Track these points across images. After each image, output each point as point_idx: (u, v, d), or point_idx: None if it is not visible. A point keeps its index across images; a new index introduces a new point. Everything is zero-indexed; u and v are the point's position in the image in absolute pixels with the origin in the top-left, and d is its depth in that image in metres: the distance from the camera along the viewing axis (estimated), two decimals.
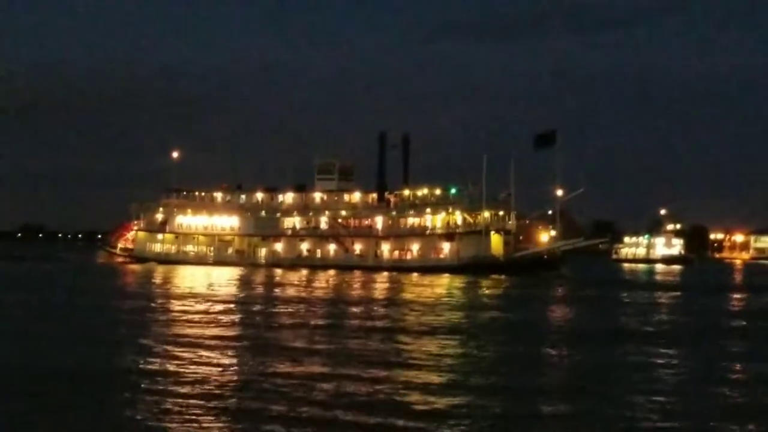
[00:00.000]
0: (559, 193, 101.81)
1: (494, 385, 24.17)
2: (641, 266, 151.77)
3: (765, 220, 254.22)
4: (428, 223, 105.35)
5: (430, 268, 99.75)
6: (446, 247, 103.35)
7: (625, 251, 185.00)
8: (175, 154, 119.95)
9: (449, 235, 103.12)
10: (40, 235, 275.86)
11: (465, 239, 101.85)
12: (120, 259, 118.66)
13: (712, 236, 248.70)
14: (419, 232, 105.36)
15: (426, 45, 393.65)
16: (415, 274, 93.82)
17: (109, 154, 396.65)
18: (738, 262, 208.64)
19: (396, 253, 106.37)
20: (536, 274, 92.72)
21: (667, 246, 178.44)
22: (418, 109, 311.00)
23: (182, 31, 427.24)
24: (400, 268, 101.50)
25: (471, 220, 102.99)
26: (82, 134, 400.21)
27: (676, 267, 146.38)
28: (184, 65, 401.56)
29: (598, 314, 48.58)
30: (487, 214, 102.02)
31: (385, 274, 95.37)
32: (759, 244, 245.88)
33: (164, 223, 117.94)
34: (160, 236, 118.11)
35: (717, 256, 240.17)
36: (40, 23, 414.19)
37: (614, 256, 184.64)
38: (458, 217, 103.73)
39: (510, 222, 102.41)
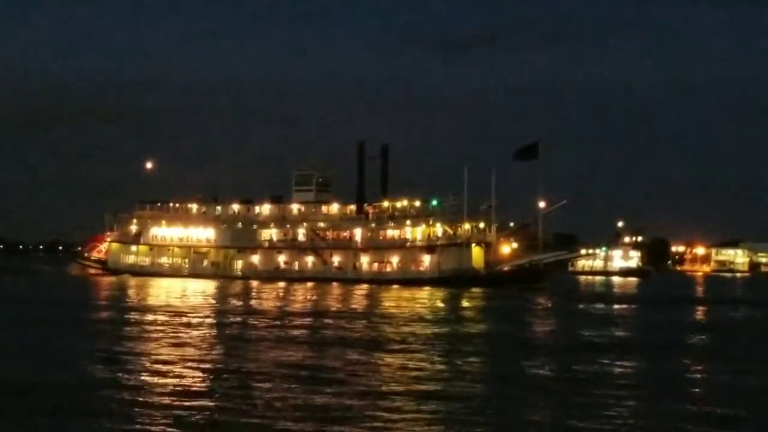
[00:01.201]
0: (542, 205, 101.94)
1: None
2: (598, 278, 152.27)
3: (726, 234, 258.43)
4: (408, 235, 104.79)
5: (410, 280, 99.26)
6: (427, 259, 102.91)
7: (582, 264, 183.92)
8: (149, 165, 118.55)
9: (430, 247, 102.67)
10: (1, 246, 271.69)
11: (446, 252, 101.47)
12: (93, 271, 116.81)
13: (673, 249, 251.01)
14: (399, 245, 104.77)
15: (391, 57, 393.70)
16: (395, 287, 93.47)
17: (72, 164, 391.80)
18: (699, 274, 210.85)
19: (375, 265, 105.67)
20: (518, 287, 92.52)
21: (624, 258, 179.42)
22: (393, 121, 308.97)
23: (153, 44, 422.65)
24: (380, 280, 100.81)
25: (451, 233, 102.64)
26: (44, 145, 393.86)
27: (633, 279, 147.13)
28: (156, 77, 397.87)
29: (583, 327, 48.01)
30: (467, 226, 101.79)
31: (365, 286, 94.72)
32: (720, 257, 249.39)
33: (138, 234, 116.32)
34: (134, 248, 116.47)
35: (678, 268, 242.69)
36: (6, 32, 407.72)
37: (570, 269, 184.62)
38: (438, 229, 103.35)
39: (491, 234, 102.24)
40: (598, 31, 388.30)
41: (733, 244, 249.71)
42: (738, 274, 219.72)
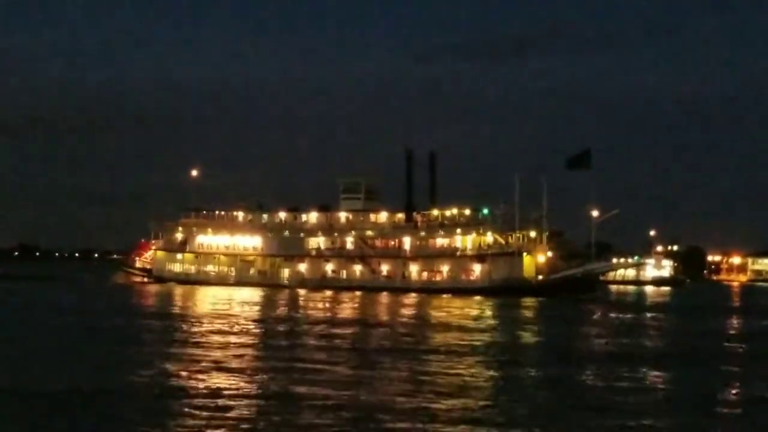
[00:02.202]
0: (595, 213, 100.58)
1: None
2: (630, 288, 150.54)
3: (763, 242, 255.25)
4: (458, 244, 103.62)
5: (460, 289, 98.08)
6: (477, 268, 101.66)
7: (614, 272, 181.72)
8: (194, 173, 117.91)
9: (480, 256, 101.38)
10: (37, 254, 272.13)
11: (497, 261, 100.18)
12: (138, 279, 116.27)
13: (709, 258, 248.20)
14: (449, 253, 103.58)
15: (424, 65, 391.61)
16: (445, 296, 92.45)
17: (107, 172, 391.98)
18: (735, 284, 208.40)
19: (425, 274, 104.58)
20: (571, 296, 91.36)
21: (657, 267, 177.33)
22: (437, 128, 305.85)
23: (197, 49, 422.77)
24: (429, 289, 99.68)
25: (502, 241, 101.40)
26: (81, 152, 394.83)
27: (666, 289, 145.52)
28: (200, 83, 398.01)
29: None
30: (518, 234, 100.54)
31: (414, 295, 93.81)
32: (756, 266, 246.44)
33: (184, 242, 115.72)
34: (179, 256, 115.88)
35: (714, 278, 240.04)
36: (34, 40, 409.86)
37: (601, 278, 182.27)
38: (489, 237, 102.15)
39: (543, 243, 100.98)
40: (632, 38, 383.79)
41: None
42: None
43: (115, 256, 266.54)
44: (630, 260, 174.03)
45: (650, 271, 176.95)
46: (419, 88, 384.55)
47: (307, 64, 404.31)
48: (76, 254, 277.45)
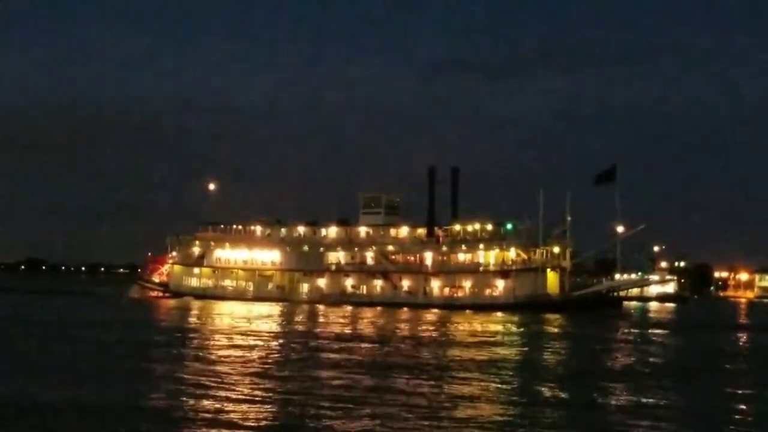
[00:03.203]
0: (620, 229, 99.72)
1: None
2: (634, 304, 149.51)
3: None
4: (481, 260, 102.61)
5: (483, 305, 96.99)
6: (500, 284, 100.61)
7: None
8: (211, 186, 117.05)
9: (504, 272, 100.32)
10: (43, 268, 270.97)
11: (521, 276, 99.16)
12: (154, 294, 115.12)
13: (716, 274, 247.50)
14: (472, 269, 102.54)
15: (435, 82, 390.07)
16: (467, 312, 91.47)
17: (108, 187, 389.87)
18: (742, 301, 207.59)
19: (447, 290, 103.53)
20: (596, 313, 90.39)
21: (661, 284, 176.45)
22: (452, 145, 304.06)
23: (192, 65, 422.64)
24: (452, 305, 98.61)
25: (526, 257, 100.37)
26: (83, 168, 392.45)
27: (670, 305, 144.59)
28: (213, 99, 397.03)
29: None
30: (541, 250, 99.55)
31: (436, 311, 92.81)
32: (764, 283, 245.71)
33: (201, 257, 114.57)
34: (196, 270, 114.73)
35: (721, 294, 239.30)
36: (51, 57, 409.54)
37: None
38: (512, 253, 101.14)
39: (566, 259, 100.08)
40: (633, 55, 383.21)
41: None
42: None
43: (121, 270, 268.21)
44: (634, 276, 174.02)
45: (654, 287, 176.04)
46: (436, 103, 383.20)
47: (314, 78, 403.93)
48: (83, 268, 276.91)
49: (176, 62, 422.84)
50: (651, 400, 29.35)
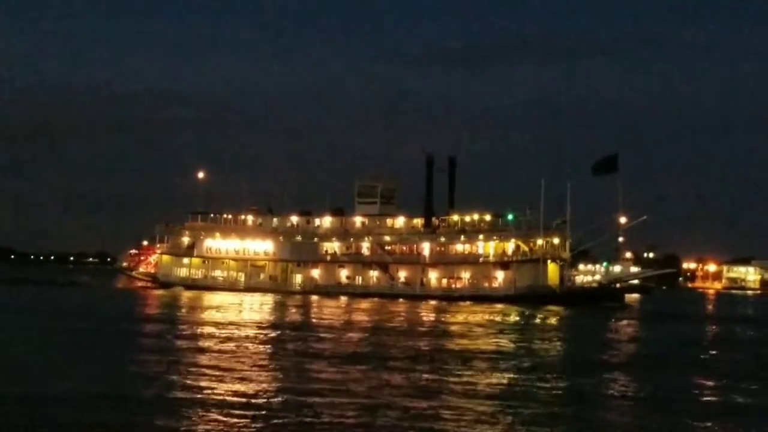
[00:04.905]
0: (623, 220, 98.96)
1: None
2: None
3: (738, 251, 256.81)
4: (480, 251, 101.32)
5: (482, 297, 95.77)
6: (500, 275, 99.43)
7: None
8: (200, 175, 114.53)
9: (505, 263, 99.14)
10: (12, 257, 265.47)
11: (521, 268, 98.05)
12: (141, 284, 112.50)
13: (684, 265, 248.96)
14: (471, 260, 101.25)
15: (418, 72, 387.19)
16: (466, 303, 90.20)
17: (97, 177, 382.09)
18: (710, 292, 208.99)
19: (444, 281, 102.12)
20: (596, 305, 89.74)
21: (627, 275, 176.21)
22: (447, 133, 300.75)
23: (182, 55, 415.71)
24: (450, 297, 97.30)
25: (526, 248, 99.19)
26: (70, 156, 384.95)
27: (635, 296, 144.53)
28: (205, 86, 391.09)
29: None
30: (541, 241, 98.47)
31: (434, 302, 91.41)
32: (731, 275, 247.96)
33: (191, 246, 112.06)
34: (186, 260, 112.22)
35: (689, 285, 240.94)
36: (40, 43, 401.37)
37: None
38: (511, 244, 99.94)
39: (566, 250, 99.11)
40: (610, 47, 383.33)
41: (745, 261, 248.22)
42: (749, 292, 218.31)
43: (91, 259, 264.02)
44: (598, 266, 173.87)
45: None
46: (431, 93, 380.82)
47: (308, 69, 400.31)
48: (52, 257, 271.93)
49: (163, 49, 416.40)
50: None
